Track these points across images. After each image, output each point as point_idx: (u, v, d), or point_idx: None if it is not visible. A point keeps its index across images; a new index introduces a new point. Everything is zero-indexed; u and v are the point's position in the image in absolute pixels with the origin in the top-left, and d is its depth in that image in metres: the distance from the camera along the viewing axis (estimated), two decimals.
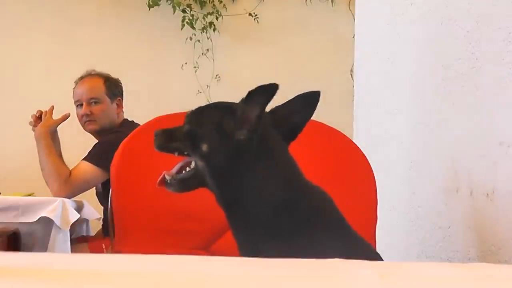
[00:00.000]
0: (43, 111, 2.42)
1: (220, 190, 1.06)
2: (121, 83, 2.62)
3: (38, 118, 2.40)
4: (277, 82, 0.99)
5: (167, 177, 1.11)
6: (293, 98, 1.12)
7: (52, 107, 2.42)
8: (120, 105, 2.57)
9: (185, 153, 1.10)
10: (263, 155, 1.05)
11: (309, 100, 1.10)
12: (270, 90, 1.00)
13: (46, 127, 2.35)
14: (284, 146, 1.09)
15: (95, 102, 2.49)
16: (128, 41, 3.99)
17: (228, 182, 1.05)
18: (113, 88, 2.55)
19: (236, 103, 1.06)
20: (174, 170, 1.11)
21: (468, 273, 0.61)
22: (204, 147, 1.05)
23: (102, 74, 2.59)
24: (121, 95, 2.59)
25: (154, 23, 3.98)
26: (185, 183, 1.10)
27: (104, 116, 2.50)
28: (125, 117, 2.62)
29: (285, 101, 1.11)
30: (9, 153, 3.72)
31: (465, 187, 1.42)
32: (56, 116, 2.41)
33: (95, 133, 2.54)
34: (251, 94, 1.02)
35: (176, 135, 1.11)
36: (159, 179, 1.12)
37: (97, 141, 2.51)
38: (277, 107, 1.11)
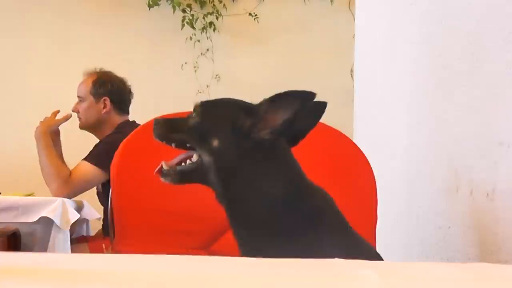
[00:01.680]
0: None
1: (223, 188, 1.05)
2: (114, 83, 2.58)
3: None
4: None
5: (164, 167, 1.09)
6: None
7: (57, 112, 2.43)
8: (106, 105, 2.54)
9: (188, 145, 1.08)
10: (269, 156, 1.04)
11: (315, 109, 1.10)
12: (307, 96, 0.99)
13: (46, 127, 2.36)
14: (287, 147, 1.09)
15: (80, 100, 2.56)
16: (128, 41, 3.99)
17: (233, 180, 1.04)
18: (98, 87, 2.55)
19: (255, 103, 1.05)
20: (175, 161, 1.09)
21: (468, 273, 0.61)
22: (215, 143, 1.04)
23: (97, 72, 2.59)
24: (110, 95, 2.55)
25: (154, 23, 3.98)
26: (183, 176, 1.09)
27: (86, 114, 2.54)
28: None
29: None
30: (9, 153, 3.72)
31: (465, 186, 1.42)
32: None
33: (86, 130, 2.59)
34: (280, 96, 1.01)
35: (180, 126, 1.09)
36: (157, 168, 1.10)
37: (97, 141, 2.52)
38: None
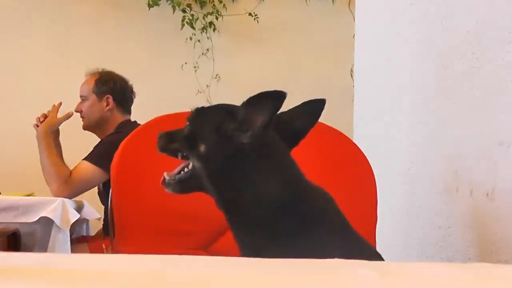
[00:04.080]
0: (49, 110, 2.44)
1: (218, 193, 1.06)
2: (116, 82, 2.60)
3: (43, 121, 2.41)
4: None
5: (166, 177, 1.10)
6: (298, 105, 1.12)
7: (60, 104, 2.43)
8: (109, 103, 2.56)
9: (184, 154, 1.10)
10: (262, 157, 1.04)
11: (314, 107, 1.10)
12: (278, 97, 0.98)
13: (47, 127, 2.36)
14: (285, 147, 1.09)
15: (83, 100, 2.57)
16: (128, 41, 3.99)
17: (226, 184, 1.05)
18: (101, 85, 2.56)
19: (238, 106, 1.06)
20: (176, 170, 1.11)
21: (468, 273, 0.61)
22: (202, 148, 1.05)
23: (100, 72, 2.60)
24: (112, 93, 2.57)
25: (154, 23, 3.98)
26: (183, 185, 1.10)
27: (89, 113, 2.55)
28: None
29: (289, 106, 1.11)
30: (9, 153, 3.72)
31: (465, 186, 1.42)
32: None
33: (89, 130, 2.59)
34: (254, 99, 1.00)
35: (177, 136, 1.11)
36: (161, 179, 1.12)
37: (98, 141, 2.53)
38: (281, 113, 1.11)
